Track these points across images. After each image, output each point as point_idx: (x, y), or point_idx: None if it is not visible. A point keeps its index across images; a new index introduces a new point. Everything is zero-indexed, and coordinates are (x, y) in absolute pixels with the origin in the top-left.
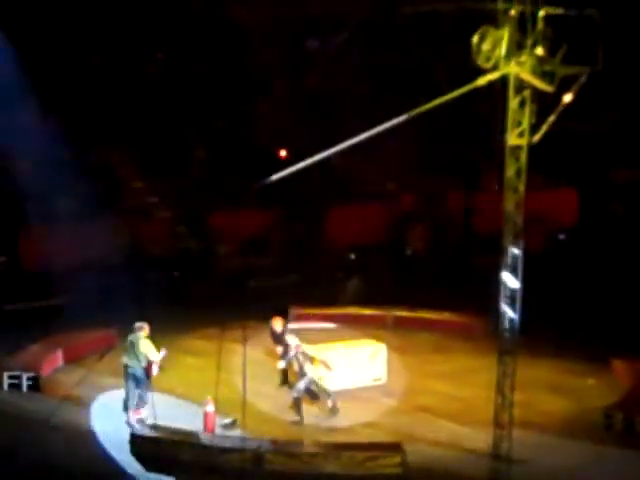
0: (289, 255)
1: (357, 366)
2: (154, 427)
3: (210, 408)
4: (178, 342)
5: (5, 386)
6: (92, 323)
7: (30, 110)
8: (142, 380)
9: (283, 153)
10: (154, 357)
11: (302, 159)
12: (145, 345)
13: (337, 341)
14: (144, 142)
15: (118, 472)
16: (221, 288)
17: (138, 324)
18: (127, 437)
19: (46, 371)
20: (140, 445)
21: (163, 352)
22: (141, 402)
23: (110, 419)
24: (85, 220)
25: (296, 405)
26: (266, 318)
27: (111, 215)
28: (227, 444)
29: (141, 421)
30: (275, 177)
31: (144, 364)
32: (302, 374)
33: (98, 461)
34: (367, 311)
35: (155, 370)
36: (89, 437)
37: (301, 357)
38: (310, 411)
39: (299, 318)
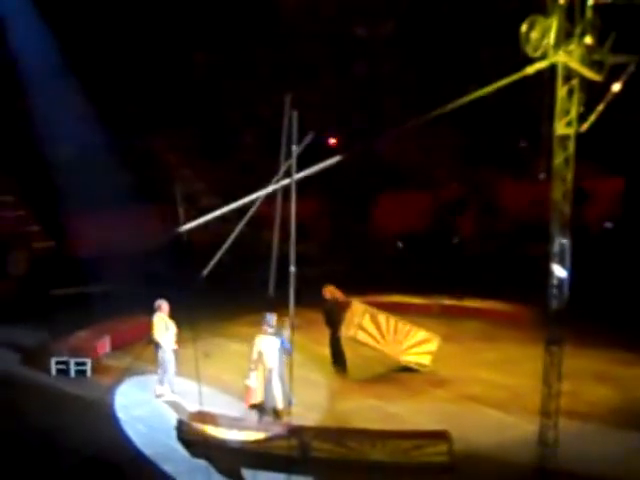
0: (336, 243)
1: (404, 341)
2: (200, 413)
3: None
4: (224, 328)
5: (53, 371)
6: (139, 309)
7: (76, 96)
8: (160, 358)
9: (333, 141)
10: (157, 336)
11: (350, 147)
12: (153, 323)
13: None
14: (190, 128)
15: (163, 458)
16: (267, 274)
17: (156, 302)
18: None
19: (94, 356)
20: (186, 431)
21: (171, 332)
22: (162, 378)
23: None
24: (132, 207)
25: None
26: (312, 305)
27: (158, 202)
28: (273, 431)
29: (159, 396)
30: (328, 163)
31: (161, 343)
32: None
33: (144, 447)
34: (414, 299)
35: (162, 349)
36: (134, 423)
37: None
38: (358, 400)
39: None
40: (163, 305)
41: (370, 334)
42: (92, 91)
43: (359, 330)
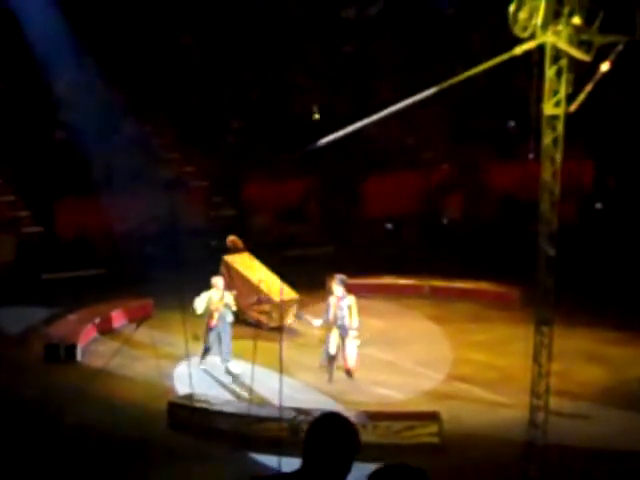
0: (325, 225)
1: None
2: (191, 396)
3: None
4: None
5: (42, 356)
6: (129, 293)
7: (66, 80)
8: (206, 331)
9: (317, 116)
10: (196, 307)
11: (337, 128)
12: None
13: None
14: (179, 112)
15: (155, 441)
16: (259, 257)
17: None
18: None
19: (83, 341)
20: (177, 413)
21: (200, 303)
22: (205, 352)
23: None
24: (121, 190)
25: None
26: (304, 288)
27: (147, 185)
28: (263, 413)
29: (203, 371)
30: (321, 143)
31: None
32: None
33: (135, 431)
34: (403, 280)
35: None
36: (125, 407)
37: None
38: (348, 381)
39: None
40: (213, 281)
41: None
42: (84, 75)
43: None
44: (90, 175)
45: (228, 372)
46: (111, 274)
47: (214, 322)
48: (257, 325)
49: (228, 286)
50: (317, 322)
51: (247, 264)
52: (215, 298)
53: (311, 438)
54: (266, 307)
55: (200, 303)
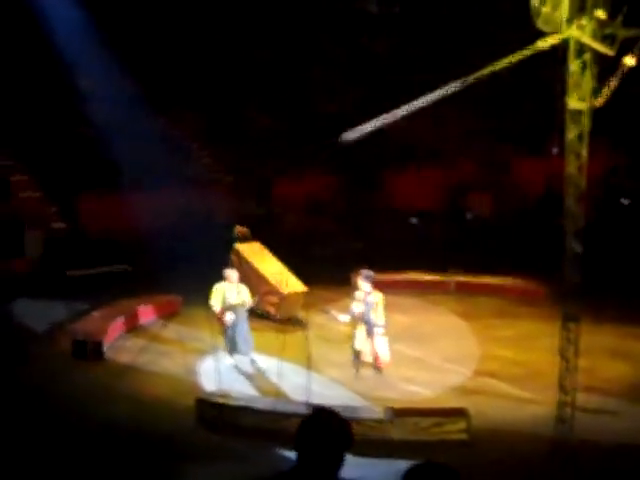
0: (351, 221)
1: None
2: (219, 393)
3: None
4: None
5: (69, 352)
6: (157, 290)
7: (94, 76)
8: (223, 327)
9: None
10: (212, 305)
11: (360, 123)
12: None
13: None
14: (209, 110)
15: (182, 437)
16: (285, 253)
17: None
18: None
19: (110, 338)
20: (204, 410)
21: (215, 299)
22: (228, 347)
23: None
24: (149, 187)
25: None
26: (329, 283)
27: (176, 182)
28: (290, 410)
29: (230, 367)
30: (350, 135)
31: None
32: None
33: (162, 427)
34: (429, 276)
35: (227, 318)
36: (152, 403)
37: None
38: (376, 377)
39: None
40: (226, 273)
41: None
42: (112, 72)
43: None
44: (117, 171)
45: (252, 364)
46: (137, 270)
47: (230, 320)
48: (265, 316)
49: (239, 275)
50: (344, 317)
51: (257, 254)
52: (230, 293)
53: (301, 434)
54: (274, 298)
55: (215, 299)
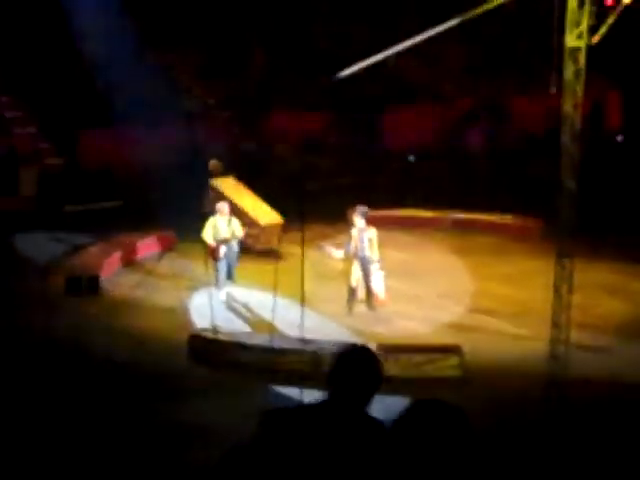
0: (347, 157)
1: None
2: (212, 328)
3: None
4: None
5: (65, 288)
6: (151, 225)
7: (88, 10)
8: (214, 261)
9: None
10: (205, 238)
11: (358, 59)
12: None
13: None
14: (202, 42)
15: (176, 373)
16: (280, 188)
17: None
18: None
19: (105, 273)
20: (197, 345)
21: (208, 233)
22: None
23: None
24: (143, 122)
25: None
26: (325, 220)
27: (170, 117)
28: (284, 346)
29: (223, 302)
30: (344, 73)
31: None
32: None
33: (156, 363)
34: (425, 213)
35: (220, 251)
36: (146, 339)
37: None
38: (368, 313)
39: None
40: (219, 207)
41: None
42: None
43: None
44: (111, 106)
45: (229, 298)
46: (133, 206)
47: (222, 253)
48: (245, 248)
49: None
50: (338, 253)
51: (233, 188)
52: (222, 225)
53: (336, 370)
54: (253, 231)
55: (208, 233)
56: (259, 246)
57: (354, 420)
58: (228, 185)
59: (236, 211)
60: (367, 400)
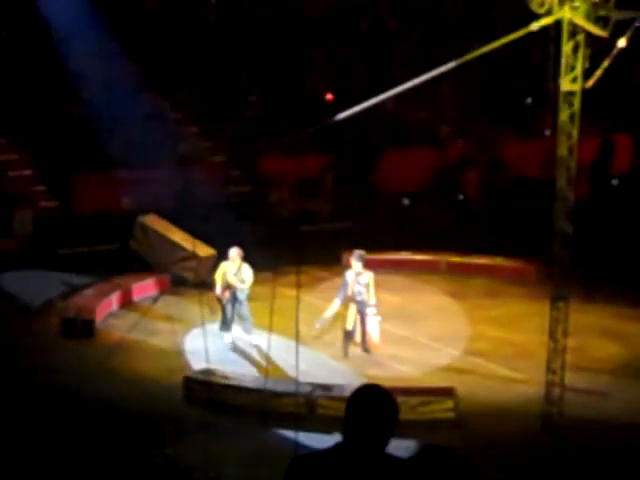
0: (342, 200)
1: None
2: (207, 370)
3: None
4: None
5: (59, 330)
6: (147, 267)
7: (84, 54)
8: (221, 303)
9: (329, 96)
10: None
11: (354, 104)
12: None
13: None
14: (197, 87)
15: (175, 414)
16: (274, 232)
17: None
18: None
19: (100, 316)
20: (192, 388)
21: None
22: (225, 325)
23: None
24: (138, 165)
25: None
26: (320, 263)
27: (165, 160)
28: (279, 389)
29: (225, 345)
30: (338, 117)
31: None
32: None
33: (150, 405)
34: (420, 256)
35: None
36: (141, 381)
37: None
38: (363, 356)
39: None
40: (229, 253)
41: None
42: (101, 50)
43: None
44: (106, 150)
45: (253, 345)
46: (127, 249)
47: (228, 296)
48: (182, 282)
49: (144, 246)
50: (331, 311)
51: (163, 224)
52: (231, 270)
53: (353, 410)
54: (191, 263)
55: (217, 278)
56: (197, 279)
57: (378, 461)
58: (157, 222)
59: (171, 245)
60: (384, 442)
